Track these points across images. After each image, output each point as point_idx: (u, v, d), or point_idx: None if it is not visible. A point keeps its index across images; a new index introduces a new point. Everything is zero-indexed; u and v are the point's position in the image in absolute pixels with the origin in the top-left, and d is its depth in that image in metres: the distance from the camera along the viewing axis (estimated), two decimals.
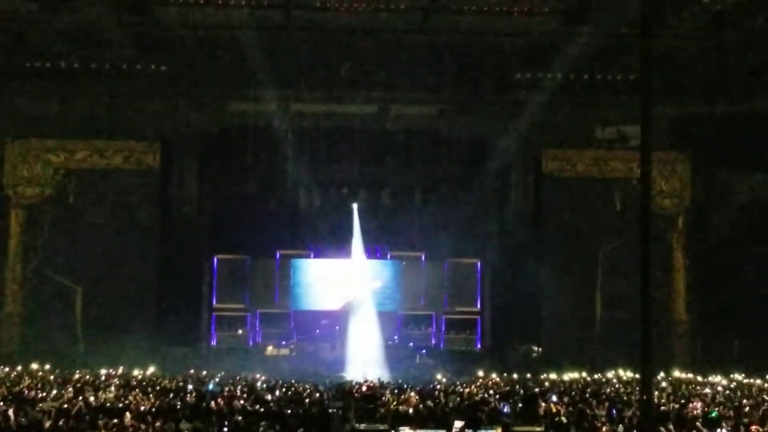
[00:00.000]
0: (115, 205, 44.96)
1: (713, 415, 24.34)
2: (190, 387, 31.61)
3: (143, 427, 21.22)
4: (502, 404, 26.88)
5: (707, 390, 33.70)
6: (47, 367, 38.73)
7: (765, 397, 30.59)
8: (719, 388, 34.00)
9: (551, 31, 39.38)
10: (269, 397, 29.01)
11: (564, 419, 24.18)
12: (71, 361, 40.72)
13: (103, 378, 35.31)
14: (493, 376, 40.10)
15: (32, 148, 45.22)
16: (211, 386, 31.57)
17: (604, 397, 29.87)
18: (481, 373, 40.80)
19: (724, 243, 46.69)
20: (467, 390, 32.28)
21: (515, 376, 40.59)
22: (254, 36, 39.24)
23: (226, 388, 31.23)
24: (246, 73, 41.97)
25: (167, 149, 46.27)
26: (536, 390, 31.87)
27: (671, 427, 21.48)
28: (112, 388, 30.39)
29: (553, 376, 40.27)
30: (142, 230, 45.25)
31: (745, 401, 28.67)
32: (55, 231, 44.62)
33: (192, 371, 39.33)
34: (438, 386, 34.06)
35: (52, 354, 41.29)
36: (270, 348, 46.77)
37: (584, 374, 40.75)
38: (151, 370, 39.39)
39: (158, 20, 39.27)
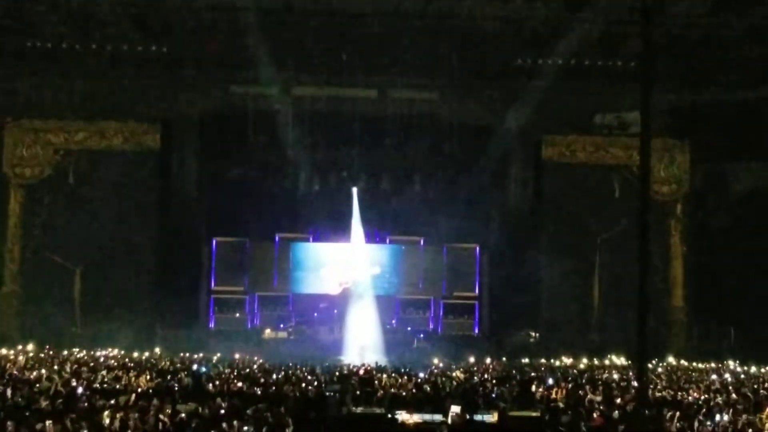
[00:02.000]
0: (115, 186, 44.91)
1: (701, 402, 24.48)
2: (194, 368, 31.75)
3: (140, 408, 21.28)
4: (495, 390, 26.98)
5: (714, 376, 33.86)
6: (45, 347, 38.78)
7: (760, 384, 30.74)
8: (714, 376, 34.13)
9: (552, 17, 39.33)
10: (267, 379, 29.10)
11: (561, 404, 24.30)
12: (69, 341, 40.79)
13: (100, 359, 35.42)
14: (490, 361, 40.21)
15: (32, 129, 45.20)
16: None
17: (600, 383, 29.97)
18: (477, 358, 40.89)
19: (722, 231, 46.70)
20: (464, 375, 32.39)
21: (512, 361, 40.75)
22: (255, 19, 39.17)
23: (224, 371, 31.35)
24: (247, 56, 41.90)
25: (167, 131, 46.25)
26: (533, 375, 31.99)
27: (666, 413, 21.57)
28: (110, 370, 30.48)
29: (550, 361, 40.42)
30: (142, 212, 45.23)
31: (738, 388, 28.80)
32: (54, 212, 44.63)
33: (188, 354, 39.41)
34: (435, 371, 34.16)
35: (50, 334, 41.41)
36: (268, 331, 46.88)
37: (581, 360, 40.86)
38: (149, 351, 39.44)
39: (160, 2, 39.22)
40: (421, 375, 31.64)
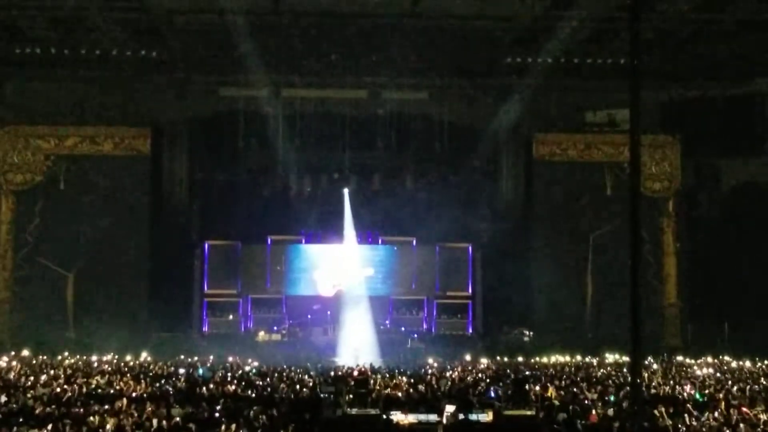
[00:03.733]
0: (106, 192, 44.92)
1: (698, 397, 24.48)
2: (181, 372, 31.69)
3: (135, 412, 21.26)
4: (490, 388, 26.94)
5: (698, 372, 33.87)
6: (39, 353, 38.72)
7: (755, 379, 30.78)
8: (710, 370, 34.16)
9: (541, 15, 39.29)
10: (260, 382, 29.08)
11: (556, 402, 24.30)
12: (62, 347, 40.69)
13: (94, 364, 35.38)
14: (484, 360, 40.22)
15: (22, 135, 45.13)
16: (201, 371, 31.60)
17: (595, 380, 29.99)
18: (471, 358, 40.90)
19: (714, 226, 46.83)
20: (458, 374, 32.38)
21: (506, 360, 40.74)
22: (244, 21, 39.11)
23: (218, 373, 31.30)
24: (236, 59, 41.89)
25: (158, 135, 46.28)
26: (527, 374, 31.98)
27: (662, 409, 21.58)
28: (104, 375, 30.45)
29: (544, 359, 40.44)
30: (133, 216, 45.18)
31: (732, 384, 28.85)
32: (45, 217, 44.58)
33: (183, 357, 39.40)
34: (429, 370, 34.14)
35: (43, 340, 41.31)
36: (262, 333, 46.77)
37: (575, 358, 40.88)
38: (142, 356, 39.40)
39: (148, 5, 39.14)
40: (416, 375, 31.63)
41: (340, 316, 46.47)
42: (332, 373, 31.72)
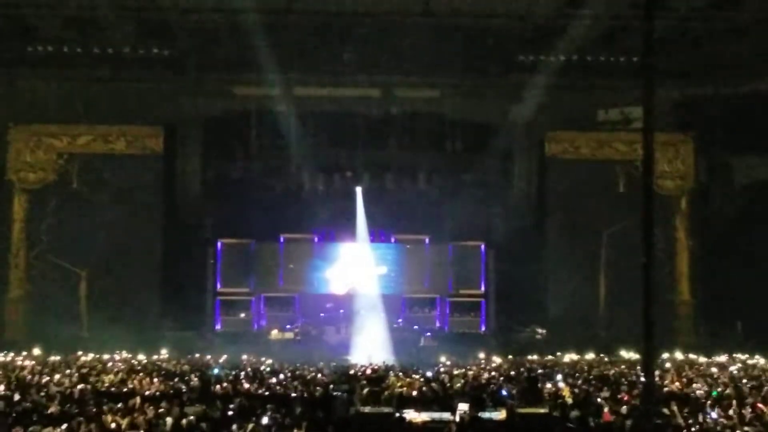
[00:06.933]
0: (119, 190, 44.96)
1: (714, 394, 24.41)
2: (195, 370, 31.69)
3: (148, 411, 21.27)
4: (503, 387, 26.88)
5: (713, 369, 33.77)
6: (52, 352, 38.75)
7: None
8: (732, 368, 34.05)
9: (554, 13, 39.27)
10: (274, 380, 29.09)
11: (569, 400, 24.24)
12: (76, 345, 40.73)
13: (107, 362, 35.40)
14: (497, 358, 40.17)
15: (35, 133, 45.25)
16: (216, 370, 31.61)
17: (609, 378, 29.93)
18: (484, 356, 40.87)
19: (727, 224, 46.71)
20: (472, 372, 32.34)
21: (519, 358, 40.68)
22: (257, 20, 39.14)
23: (232, 372, 31.30)
24: (249, 57, 41.93)
25: (171, 134, 46.34)
26: (540, 372, 31.92)
27: (675, 408, 21.53)
28: (117, 373, 30.48)
29: (558, 357, 40.39)
30: (146, 215, 45.27)
31: (746, 381, 28.78)
32: (58, 216, 44.67)
33: (197, 355, 39.44)
34: (442, 369, 34.11)
35: (56, 338, 41.34)
36: (275, 332, 46.79)
37: (589, 356, 40.81)
38: (155, 354, 39.44)
39: (161, 4, 39.20)
40: (429, 374, 31.59)
41: (353, 315, 46.51)
42: (345, 372, 31.74)
